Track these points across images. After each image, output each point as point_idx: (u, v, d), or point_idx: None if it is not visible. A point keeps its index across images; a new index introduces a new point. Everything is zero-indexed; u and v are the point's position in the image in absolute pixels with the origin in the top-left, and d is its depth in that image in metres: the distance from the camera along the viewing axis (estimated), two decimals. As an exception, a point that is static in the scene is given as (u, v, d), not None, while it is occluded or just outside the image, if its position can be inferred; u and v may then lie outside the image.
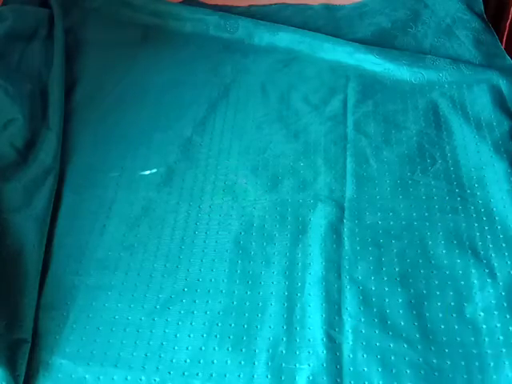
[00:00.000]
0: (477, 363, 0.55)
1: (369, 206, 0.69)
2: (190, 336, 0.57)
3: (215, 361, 0.55)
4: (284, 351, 0.56)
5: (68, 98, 0.84)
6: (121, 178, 0.74)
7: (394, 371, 0.55)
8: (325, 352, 0.55)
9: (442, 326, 0.58)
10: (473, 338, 0.57)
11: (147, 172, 0.74)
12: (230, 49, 0.95)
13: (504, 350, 0.56)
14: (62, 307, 0.60)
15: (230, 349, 0.56)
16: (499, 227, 0.66)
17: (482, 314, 0.59)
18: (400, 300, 0.60)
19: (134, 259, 0.64)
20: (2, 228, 0.64)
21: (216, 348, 0.56)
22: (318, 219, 0.68)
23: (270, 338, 0.57)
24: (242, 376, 0.54)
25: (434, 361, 0.56)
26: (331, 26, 1.00)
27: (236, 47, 0.95)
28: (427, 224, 0.67)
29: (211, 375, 0.54)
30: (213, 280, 0.62)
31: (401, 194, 0.71)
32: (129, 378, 0.54)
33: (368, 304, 0.60)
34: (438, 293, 0.61)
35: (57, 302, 0.60)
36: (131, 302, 0.60)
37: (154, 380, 0.54)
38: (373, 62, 0.89)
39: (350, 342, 0.56)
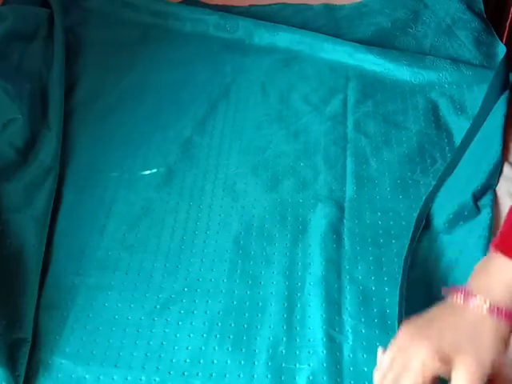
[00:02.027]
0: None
1: (369, 205, 0.69)
2: (189, 336, 0.57)
3: (215, 361, 0.55)
4: (284, 351, 0.56)
5: (68, 98, 0.84)
6: (121, 178, 0.74)
7: (393, 371, 0.55)
8: (325, 352, 0.55)
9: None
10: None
11: (147, 172, 0.74)
12: (230, 49, 0.95)
13: None
14: (62, 307, 0.60)
15: (229, 349, 0.56)
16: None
17: None
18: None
19: (133, 259, 0.64)
20: (2, 228, 0.64)
21: (216, 348, 0.56)
22: (318, 219, 0.68)
23: (269, 338, 0.57)
24: (241, 376, 0.54)
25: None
26: (331, 26, 1.00)
27: (236, 47, 0.95)
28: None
29: (211, 375, 0.54)
30: (213, 280, 0.62)
31: (401, 193, 0.71)
32: (129, 377, 0.54)
33: (368, 304, 0.60)
34: (437, 292, 0.61)
35: (57, 301, 0.60)
36: (131, 302, 0.60)
37: (154, 380, 0.54)
38: (373, 62, 0.89)
39: (350, 342, 0.56)
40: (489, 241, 0.60)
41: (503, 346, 0.41)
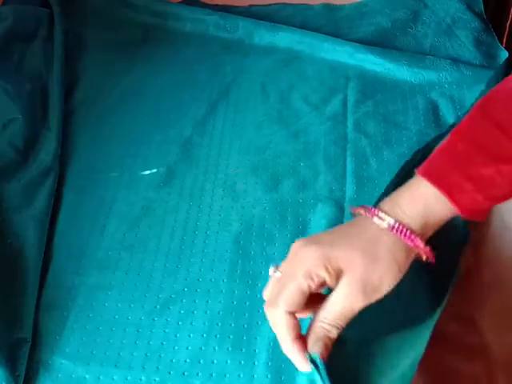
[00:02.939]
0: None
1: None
2: (189, 336, 0.57)
3: (215, 361, 0.55)
4: (284, 351, 0.56)
5: (68, 98, 0.84)
6: (121, 178, 0.74)
7: (393, 371, 0.55)
8: (325, 352, 0.55)
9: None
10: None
11: (147, 172, 0.74)
12: (230, 49, 0.95)
13: None
14: (62, 307, 0.60)
15: (229, 349, 0.56)
16: None
17: None
18: (400, 300, 0.60)
19: (133, 259, 0.64)
20: (2, 228, 0.64)
21: (216, 348, 0.56)
22: (318, 219, 0.67)
23: (269, 338, 0.57)
24: (241, 376, 0.54)
25: (434, 361, 0.55)
26: (331, 26, 1.00)
27: (236, 47, 0.95)
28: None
29: (211, 375, 0.54)
30: (213, 280, 0.62)
31: (401, 193, 0.71)
32: (129, 377, 0.54)
33: (368, 304, 0.60)
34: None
35: (57, 302, 0.60)
36: (131, 302, 0.60)
37: (154, 380, 0.54)
38: (373, 62, 0.89)
39: (350, 342, 0.56)
40: None
41: (398, 270, 0.37)
